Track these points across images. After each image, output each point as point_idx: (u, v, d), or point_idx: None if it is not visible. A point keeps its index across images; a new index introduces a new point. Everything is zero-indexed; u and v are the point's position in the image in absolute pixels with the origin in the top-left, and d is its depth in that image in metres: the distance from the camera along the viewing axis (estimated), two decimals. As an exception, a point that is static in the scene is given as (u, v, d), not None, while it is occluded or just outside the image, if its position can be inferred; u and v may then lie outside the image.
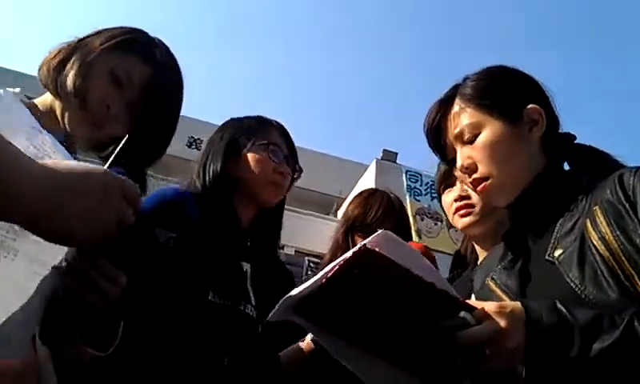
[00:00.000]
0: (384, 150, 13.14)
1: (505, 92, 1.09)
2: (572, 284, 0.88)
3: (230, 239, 1.30)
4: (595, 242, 0.88)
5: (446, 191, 1.53)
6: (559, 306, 0.81)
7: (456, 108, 1.11)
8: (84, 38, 1.12)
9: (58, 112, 1.08)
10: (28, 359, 0.87)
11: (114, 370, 1.07)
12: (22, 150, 0.72)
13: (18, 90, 1.05)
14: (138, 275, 0.96)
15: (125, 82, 1.08)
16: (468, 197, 1.45)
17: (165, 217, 1.21)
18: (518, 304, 0.83)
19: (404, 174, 11.98)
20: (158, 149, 1.19)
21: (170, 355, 1.12)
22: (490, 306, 0.82)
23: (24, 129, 0.78)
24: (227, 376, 1.17)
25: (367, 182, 12.36)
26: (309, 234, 10.88)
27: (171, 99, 1.18)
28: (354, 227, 1.79)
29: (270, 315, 0.89)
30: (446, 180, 1.53)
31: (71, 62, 1.07)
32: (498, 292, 1.02)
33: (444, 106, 1.14)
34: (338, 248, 1.77)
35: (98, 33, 1.13)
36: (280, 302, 0.86)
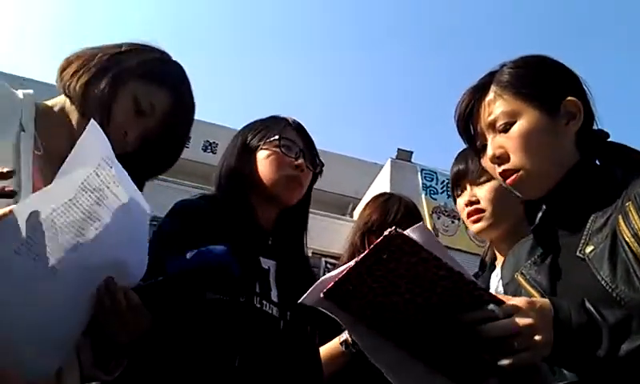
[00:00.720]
0: (399, 149, 13.08)
1: (545, 82, 1.06)
2: (603, 282, 0.86)
3: (246, 235, 1.27)
4: (628, 239, 0.86)
5: (458, 194, 1.52)
6: (588, 305, 0.81)
7: (491, 95, 1.07)
8: (114, 54, 1.13)
9: (74, 118, 1.10)
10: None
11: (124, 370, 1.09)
12: (85, 177, 0.81)
13: (31, 91, 1.07)
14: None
15: (147, 113, 1.11)
16: (477, 201, 1.43)
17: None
18: (547, 301, 0.83)
19: (419, 173, 11.91)
20: (163, 166, 1.22)
21: (177, 355, 1.11)
22: (518, 301, 0.81)
23: (97, 158, 0.84)
24: (237, 377, 1.13)
25: (382, 181, 12.32)
26: (325, 235, 10.87)
27: (185, 127, 1.22)
28: (371, 231, 1.80)
29: (301, 298, 0.89)
30: (458, 181, 1.52)
31: (98, 76, 1.08)
32: (528, 287, 1.00)
33: (478, 92, 1.10)
34: (355, 250, 1.77)
35: (130, 51, 1.14)
36: (312, 287, 0.87)
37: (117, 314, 0.91)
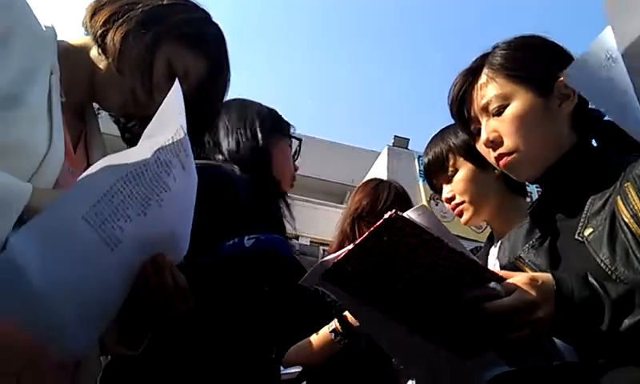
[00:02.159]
0: (395, 136, 13.04)
1: (537, 63, 1.05)
2: (602, 264, 0.86)
3: (278, 218, 1.27)
4: (627, 220, 0.85)
5: (440, 195, 1.51)
6: (591, 279, 0.81)
7: (483, 78, 1.07)
8: (156, 6, 1.02)
9: (100, 67, 0.99)
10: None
11: (156, 364, 1.06)
12: (163, 143, 0.74)
13: (51, 24, 0.94)
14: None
15: (180, 78, 1.00)
16: (453, 197, 1.44)
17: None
18: (549, 276, 0.83)
19: (416, 160, 11.89)
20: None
21: (215, 342, 1.07)
22: (520, 278, 0.82)
23: (176, 123, 0.78)
24: (275, 369, 1.12)
25: (379, 168, 12.30)
26: (323, 223, 10.87)
27: (218, 95, 1.12)
28: (361, 217, 1.79)
29: (301, 280, 0.88)
30: (430, 180, 1.52)
31: (138, 30, 0.97)
32: (527, 271, 0.99)
33: (471, 75, 1.10)
34: (346, 237, 1.76)
35: (172, 5, 1.04)
36: (311, 268, 0.87)
37: (161, 294, 0.84)
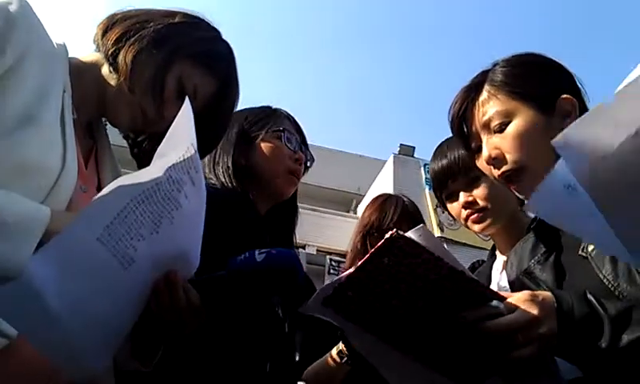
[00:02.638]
0: (401, 144, 13.06)
1: (539, 80, 1.04)
2: (605, 280, 0.85)
3: (252, 232, 1.22)
4: None
5: (449, 201, 1.48)
6: (589, 296, 0.81)
7: (485, 95, 1.06)
8: (168, 25, 1.02)
9: (110, 85, 0.99)
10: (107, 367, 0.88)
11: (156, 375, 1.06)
12: (174, 161, 0.75)
13: (62, 41, 0.96)
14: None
15: (189, 96, 1.01)
16: (474, 202, 1.40)
17: None
18: (548, 293, 0.83)
19: (422, 168, 11.88)
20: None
21: (214, 356, 1.07)
22: (520, 296, 0.81)
23: (187, 141, 0.78)
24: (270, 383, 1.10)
25: (385, 177, 12.31)
26: (329, 232, 10.88)
27: (226, 114, 1.13)
28: (370, 233, 1.79)
29: (302, 307, 0.88)
30: (442, 181, 1.48)
31: (150, 49, 0.98)
32: (533, 287, 0.98)
33: (472, 92, 1.09)
34: (357, 254, 1.76)
35: (183, 24, 1.05)
36: (313, 295, 0.87)
37: (174, 311, 0.84)
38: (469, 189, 1.40)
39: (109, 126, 1.09)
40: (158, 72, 0.98)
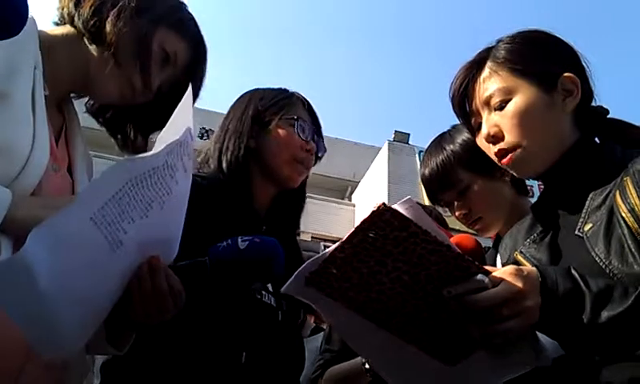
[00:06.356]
0: (396, 131, 13.05)
1: (541, 57, 1.03)
2: (597, 258, 0.85)
3: (243, 222, 1.19)
4: (624, 214, 0.85)
5: (447, 208, 1.47)
6: (573, 272, 0.81)
7: (486, 71, 1.05)
8: None
9: (90, 58, 0.97)
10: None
11: (123, 367, 1.06)
12: (172, 147, 0.74)
13: (30, 15, 0.87)
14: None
15: (171, 63, 1.05)
16: (467, 213, 1.39)
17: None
18: (533, 268, 0.83)
19: (417, 154, 11.89)
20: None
21: (183, 352, 1.05)
22: (505, 269, 0.81)
23: (184, 127, 0.78)
24: (245, 375, 1.08)
25: (380, 163, 12.32)
26: (324, 219, 10.91)
27: (199, 81, 1.14)
28: None
29: (283, 287, 0.87)
30: (435, 199, 1.47)
31: (134, 19, 0.97)
32: (527, 264, 0.98)
33: (474, 69, 1.08)
34: None
35: None
36: (294, 274, 0.85)
37: (155, 296, 0.83)
38: (460, 198, 1.39)
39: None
40: (145, 41, 0.98)
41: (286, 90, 1.41)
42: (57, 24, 1.01)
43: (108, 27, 0.95)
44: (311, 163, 1.37)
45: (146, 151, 0.87)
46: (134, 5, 0.98)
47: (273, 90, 1.41)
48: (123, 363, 1.05)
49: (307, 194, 1.47)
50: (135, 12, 0.98)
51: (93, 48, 0.96)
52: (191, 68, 1.09)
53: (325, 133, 1.46)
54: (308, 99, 1.41)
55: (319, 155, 1.41)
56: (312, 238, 10.83)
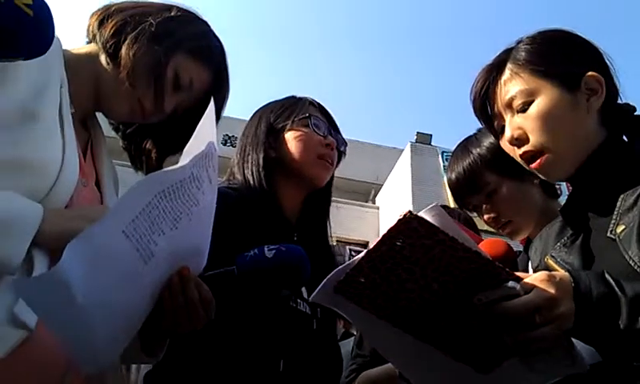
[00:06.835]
0: (418, 132, 12.95)
1: (563, 58, 1.01)
2: (631, 261, 0.83)
3: (274, 230, 1.20)
4: None
5: (475, 212, 1.46)
6: (607, 276, 0.79)
7: (507, 74, 1.03)
8: (167, 19, 1.03)
9: (107, 78, 1.00)
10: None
11: (166, 377, 1.07)
12: (198, 160, 0.77)
13: (55, 34, 0.89)
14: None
15: (185, 88, 1.05)
16: (497, 218, 1.37)
17: None
18: (566, 273, 0.81)
19: (440, 155, 11.77)
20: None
21: (222, 362, 1.06)
22: (537, 276, 0.80)
23: (208, 140, 0.80)
24: (284, 382, 1.08)
25: (403, 165, 12.23)
26: (349, 222, 10.87)
27: (219, 106, 1.10)
28: None
29: (312, 296, 0.87)
30: (463, 203, 1.46)
31: (151, 44, 0.99)
32: (559, 269, 0.95)
33: (494, 71, 1.06)
34: None
35: (180, 18, 1.06)
36: (322, 283, 0.85)
37: (186, 306, 0.85)
38: (488, 202, 1.38)
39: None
40: (159, 66, 0.99)
41: (293, 96, 1.43)
42: (88, 42, 1.04)
43: (124, 50, 0.98)
44: (334, 158, 1.37)
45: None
46: (153, 29, 1.00)
47: (281, 99, 1.43)
48: (165, 373, 1.07)
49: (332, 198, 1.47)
50: (153, 37, 0.99)
51: (110, 67, 0.99)
52: (210, 94, 1.06)
53: (346, 136, 1.46)
54: (317, 100, 1.42)
55: (341, 149, 1.41)
56: (337, 241, 10.80)
